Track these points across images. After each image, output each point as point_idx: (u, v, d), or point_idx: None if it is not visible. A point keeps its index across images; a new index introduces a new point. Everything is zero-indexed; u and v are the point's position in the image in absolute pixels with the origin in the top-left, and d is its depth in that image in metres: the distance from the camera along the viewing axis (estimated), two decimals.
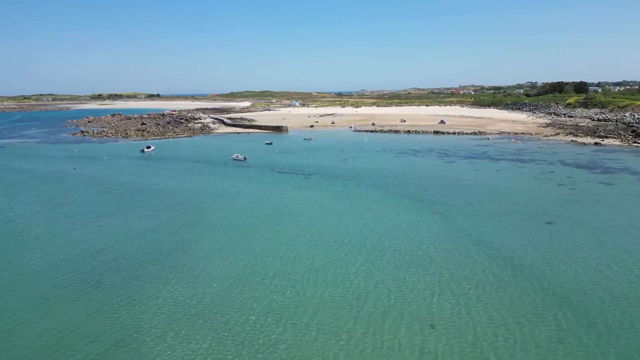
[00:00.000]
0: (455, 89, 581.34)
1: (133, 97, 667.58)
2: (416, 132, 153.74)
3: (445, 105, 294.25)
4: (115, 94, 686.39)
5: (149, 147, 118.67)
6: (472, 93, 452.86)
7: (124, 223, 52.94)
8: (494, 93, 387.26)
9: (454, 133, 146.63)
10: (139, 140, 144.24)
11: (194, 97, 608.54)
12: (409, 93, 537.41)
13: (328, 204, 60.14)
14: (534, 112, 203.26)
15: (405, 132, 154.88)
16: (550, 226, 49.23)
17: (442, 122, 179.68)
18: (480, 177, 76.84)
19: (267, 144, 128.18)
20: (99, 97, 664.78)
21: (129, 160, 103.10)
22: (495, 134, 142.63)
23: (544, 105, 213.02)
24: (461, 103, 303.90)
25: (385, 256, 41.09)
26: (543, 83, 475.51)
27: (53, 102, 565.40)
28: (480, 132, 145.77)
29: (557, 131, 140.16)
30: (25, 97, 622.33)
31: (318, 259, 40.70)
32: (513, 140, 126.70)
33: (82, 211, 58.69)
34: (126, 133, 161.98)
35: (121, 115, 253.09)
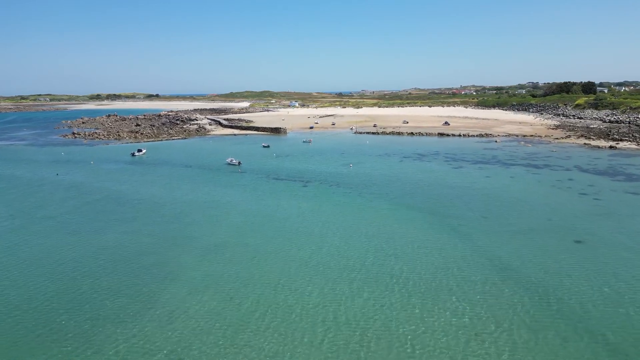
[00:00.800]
0: (457, 89, 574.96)
1: (132, 97, 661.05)
2: (420, 134, 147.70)
3: (449, 106, 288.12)
4: (114, 94, 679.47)
5: (140, 151, 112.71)
6: (474, 93, 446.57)
7: (98, 242, 46.86)
8: (496, 93, 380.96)
9: (460, 135, 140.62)
10: (132, 142, 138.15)
11: (192, 98, 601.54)
12: (410, 93, 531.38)
13: (329, 218, 54.03)
14: (541, 114, 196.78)
15: (408, 134, 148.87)
16: (582, 247, 43.16)
17: (446, 123, 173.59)
18: (493, 185, 70.74)
19: (264, 146, 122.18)
20: (97, 97, 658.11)
21: (117, 165, 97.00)
22: (503, 136, 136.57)
23: (551, 106, 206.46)
24: (465, 104, 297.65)
25: (400, 288, 34.99)
26: (544, 83, 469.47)
27: (51, 103, 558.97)
28: (487, 135, 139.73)
29: (568, 133, 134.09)
30: (23, 97, 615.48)
31: (321, 293, 34.57)
32: (522, 143, 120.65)
33: (54, 227, 52.58)
34: (119, 135, 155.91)
35: (117, 115, 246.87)
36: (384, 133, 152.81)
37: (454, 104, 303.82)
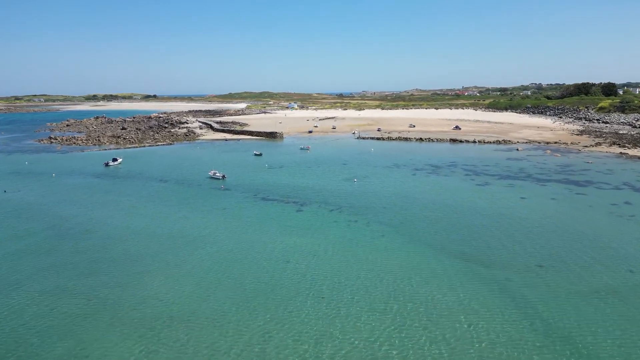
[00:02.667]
0: (459, 90, 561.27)
1: (129, 97, 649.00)
2: (430, 140, 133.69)
3: (457, 108, 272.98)
4: (111, 95, 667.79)
5: (115, 160, 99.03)
6: (478, 95, 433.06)
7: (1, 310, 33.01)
8: (502, 94, 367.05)
9: (475, 142, 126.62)
10: (111, 149, 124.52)
11: (190, 98, 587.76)
12: (412, 95, 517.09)
13: (331, 267, 40.04)
14: (560, 117, 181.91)
15: (417, 140, 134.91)
16: None
17: (457, 127, 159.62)
18: (536, 212, 56.56)
19: (255, 155, 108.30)
20: (93, 97, 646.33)
21: (83, 178, 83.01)
22: (523, 142, 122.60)
23: (570, 109, 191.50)
24: (474, 106, 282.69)
25: None
26: (547, 84, 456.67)
27: (45, 103, 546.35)
28: (504, 141, 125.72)
29: (597, 140, 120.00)
30: (17, 98, 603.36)
31: None
32: (549, 152, 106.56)
33: None
34: (99, 140, 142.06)
35: (105, 117, 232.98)
36: (389, 139, 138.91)
37: (463, 106, 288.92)
